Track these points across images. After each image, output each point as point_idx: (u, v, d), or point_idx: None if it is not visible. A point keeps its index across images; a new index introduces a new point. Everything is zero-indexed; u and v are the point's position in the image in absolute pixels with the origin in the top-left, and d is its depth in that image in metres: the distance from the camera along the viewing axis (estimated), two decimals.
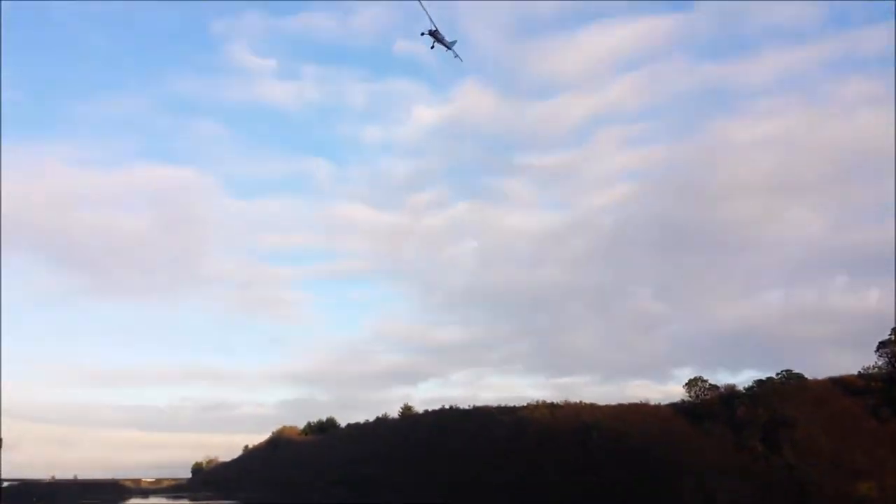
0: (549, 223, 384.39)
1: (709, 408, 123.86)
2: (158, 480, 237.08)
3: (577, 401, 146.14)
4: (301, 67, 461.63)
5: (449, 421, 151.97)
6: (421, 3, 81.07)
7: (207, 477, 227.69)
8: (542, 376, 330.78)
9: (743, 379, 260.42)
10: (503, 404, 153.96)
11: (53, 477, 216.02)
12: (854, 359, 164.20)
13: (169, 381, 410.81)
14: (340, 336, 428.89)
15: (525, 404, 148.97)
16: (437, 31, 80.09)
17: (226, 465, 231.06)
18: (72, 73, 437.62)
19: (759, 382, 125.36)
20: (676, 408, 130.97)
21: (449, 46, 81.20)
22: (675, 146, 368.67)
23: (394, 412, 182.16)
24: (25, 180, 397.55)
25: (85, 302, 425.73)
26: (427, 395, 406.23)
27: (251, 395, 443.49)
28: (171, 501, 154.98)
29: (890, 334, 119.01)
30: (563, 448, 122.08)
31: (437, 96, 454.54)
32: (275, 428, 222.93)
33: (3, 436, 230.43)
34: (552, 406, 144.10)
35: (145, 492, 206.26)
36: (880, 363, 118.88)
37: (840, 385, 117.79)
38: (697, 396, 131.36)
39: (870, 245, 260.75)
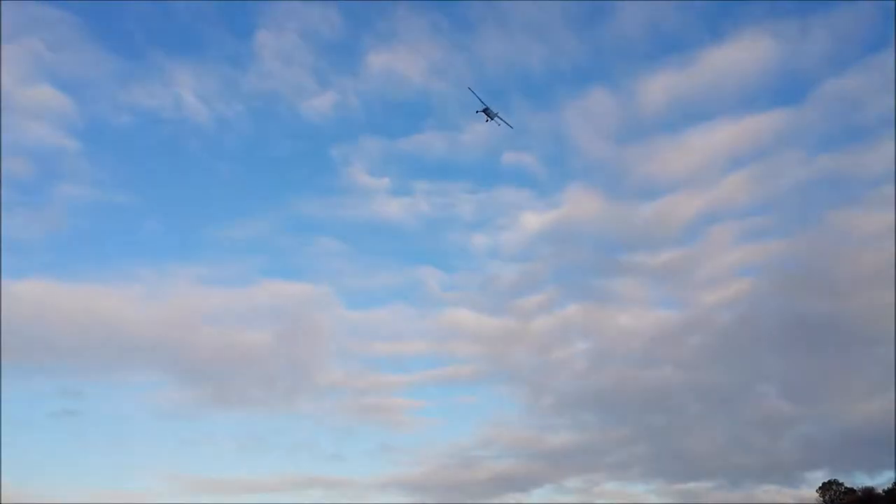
0: (662, 322, 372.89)
1: None
2: None
3: None
4: (413, 184, 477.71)
5: None
6: (470, 90, 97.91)
7: None
8: (662, 482, 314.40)
9: (882, 481, 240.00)
10: None
11: None
12: None
13: (284, 490, 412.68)
14: (450, 442, 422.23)
15: None
16: (488, 108, 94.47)
17: None
18: (202, 201, 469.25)
19: None
20: None
21: (496, 117, 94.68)
22: (793, 239, 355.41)
23: None
24: (155, 301, 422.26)
25: (207, 414, 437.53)
26: (540, 503, 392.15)
27: (363, 502, 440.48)
28: None
29: None
30: None
31: (543, 201, 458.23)
32: None
33: None
34: None
35: None
36: None
37: None
38: (833, 501, 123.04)
39: None
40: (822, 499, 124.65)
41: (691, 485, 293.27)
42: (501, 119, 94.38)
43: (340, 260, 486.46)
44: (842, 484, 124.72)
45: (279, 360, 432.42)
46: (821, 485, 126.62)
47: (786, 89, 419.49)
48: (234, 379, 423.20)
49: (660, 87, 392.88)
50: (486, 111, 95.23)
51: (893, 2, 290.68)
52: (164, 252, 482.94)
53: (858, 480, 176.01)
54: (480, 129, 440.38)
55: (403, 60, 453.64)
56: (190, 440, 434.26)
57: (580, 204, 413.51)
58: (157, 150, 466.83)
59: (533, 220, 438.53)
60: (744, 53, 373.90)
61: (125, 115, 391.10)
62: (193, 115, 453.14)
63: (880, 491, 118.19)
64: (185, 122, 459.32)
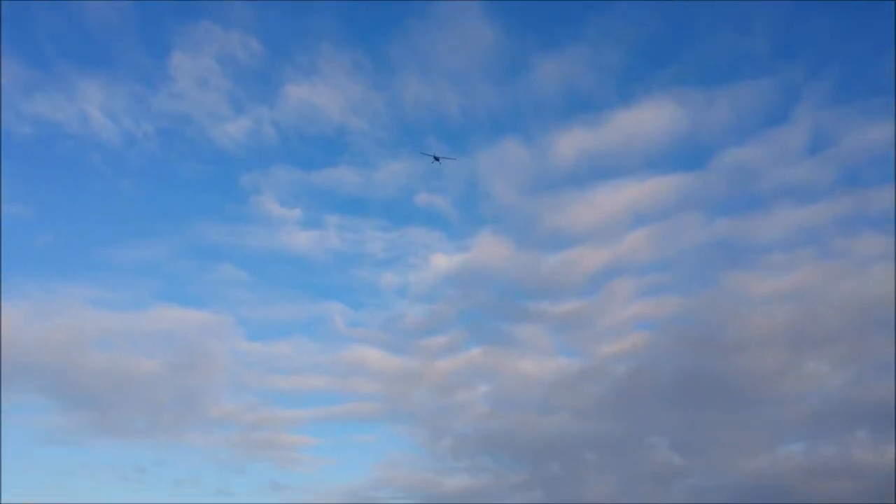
0: (562, 370, 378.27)
1: None
2: None
3: None
4: (324, 217, 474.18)
5: None
6: (422, 153, 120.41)
7: None
8: None
9: None
10: None
11: None
12: None
13: None
14: (344, 482, 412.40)
15: None
16: (437, 157, 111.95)
17: None
18: (100, 219, 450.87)
19: None
20: None
21: (443, 158, 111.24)
22: (689, 297, 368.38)
23: None
24: (40, 320, 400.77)
25: (87, 441, 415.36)
26: None
27: None
28: None
29: None
30: None
31: (453, 244, 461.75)
32: None
33: None
34: None
35: None
36: None
37: None
38: None
39: (890, 399, 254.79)
40: None
41: None
42: (447, 157, 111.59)
43: (243, 289, 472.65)
44: None
45: (169, 389, 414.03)
46: None
47: (689, 154, 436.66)
48: (120, 406, 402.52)
49: (571, 143, 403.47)
50: (435, 158, 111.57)
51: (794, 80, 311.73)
52: (55, 270, 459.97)
53: None
54: (395, 168, 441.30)
55: (322, 94, 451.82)
56: (67, 468, 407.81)
57: (489, 249, 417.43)
58: (58, 163, 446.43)
59: (443, 261, 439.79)
60: (651, 117, 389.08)
61: (27, 126, 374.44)
62: (99, 131, 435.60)
63: None
64: (89, 137, 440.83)
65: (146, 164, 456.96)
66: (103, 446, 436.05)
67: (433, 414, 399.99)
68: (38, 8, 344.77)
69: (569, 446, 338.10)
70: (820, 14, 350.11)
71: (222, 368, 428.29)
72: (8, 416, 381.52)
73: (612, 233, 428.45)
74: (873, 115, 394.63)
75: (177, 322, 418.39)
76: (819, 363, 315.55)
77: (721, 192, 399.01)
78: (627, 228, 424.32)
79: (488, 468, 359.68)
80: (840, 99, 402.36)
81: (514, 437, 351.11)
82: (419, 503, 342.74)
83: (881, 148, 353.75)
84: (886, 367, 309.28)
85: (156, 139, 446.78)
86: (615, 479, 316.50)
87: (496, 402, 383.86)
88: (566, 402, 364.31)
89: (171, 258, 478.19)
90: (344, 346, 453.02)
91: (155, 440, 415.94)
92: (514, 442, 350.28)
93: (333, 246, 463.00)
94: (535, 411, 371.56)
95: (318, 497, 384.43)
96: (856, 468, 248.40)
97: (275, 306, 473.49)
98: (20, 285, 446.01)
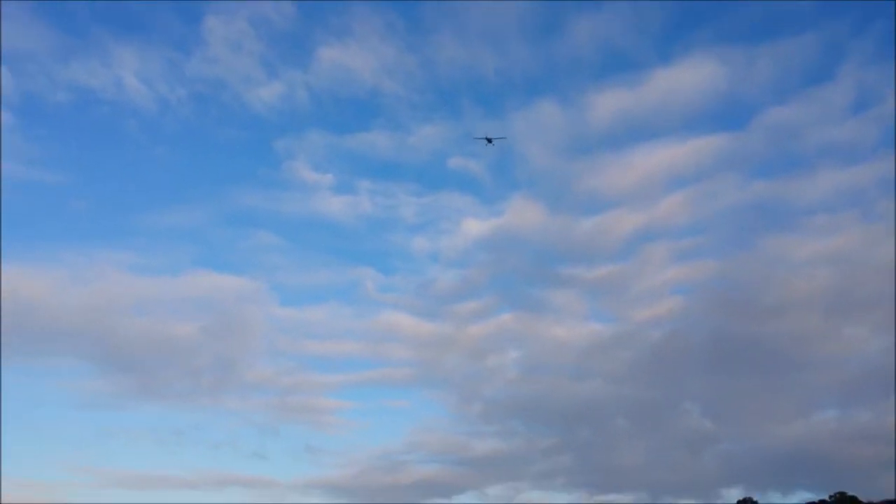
0: (595, 335, 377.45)
1: None
2: None
3: None
4: (357, 182, 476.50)
5: None
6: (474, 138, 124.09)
7: None
8: (584, 492, 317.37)
9: (795, 500, 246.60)
10: None
11: None
12: None
13: (204, 487, 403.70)
14: (377, 445, 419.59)
15: None
16: (489, 138, 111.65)
17: None
18: (136, 185, 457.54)
19: None
20: None
21: (495, 138, 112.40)
22: (727, 261, 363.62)
23: None
24: (81, 286, 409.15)
25: (127, 405, 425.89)
26: None
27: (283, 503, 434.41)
28: None
29: None
30: None
31: (486, 209, 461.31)
32: None
33: None
34: None
35: None
36: None
37: None
38: None
39: None
40: None
41: (612, 496, 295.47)
42: (499, 137, 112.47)
43: (277, 255, 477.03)
44: (756, 502, 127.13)
45: (206, 354, 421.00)
46: (736, 501, 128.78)
47: (729, 114, 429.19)
48: (158, 370, 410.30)
49: (608, 103, 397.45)
50: (488, 140, 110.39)
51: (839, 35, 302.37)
52: (92, 236, 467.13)
53: (773, 499, 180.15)
54: (429, 132, 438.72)
55: (355, 57, 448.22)
56: (107, 431, 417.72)
57: (522, 214, 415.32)
58: (94, 129, 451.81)
59: (475, 226, 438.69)
60: (691, 76, 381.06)
61: (62, 93, 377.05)
62: (134, 97, 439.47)
63: None
64: (124, 103, 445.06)
65: (180, 130, 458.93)
66: (142, 410, 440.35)
67: (465, 379, 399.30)
68: None
69: (600, 412, 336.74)
70: None
71: (258, 334, 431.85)
72: (47, 381, 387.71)
73: (648, 196, 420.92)
74: None
75: (213, 287, 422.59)
76: (858, 328, 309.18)
77: (761, 152, 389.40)
78: (664, 191, 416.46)
79: (518, 432, 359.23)
80: (886, 56, 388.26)
81: (544, 402, 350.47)
82: (450, 466, 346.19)
83: None
84: None
85: (190, 104, 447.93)
86: (646, 445, 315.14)
87: (527, 367, 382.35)
88: (598, 367, 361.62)
89: (206, 224, 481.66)
90: (376, 312, 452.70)
91: (193, 404, 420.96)
92: (545, 407, 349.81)
93: (366, 211, 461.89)
94: (566, 377, 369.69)
95: (351, 460, 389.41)
96: (891, 434, 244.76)
97: (308, 272, 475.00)
98: (57, 251, 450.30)
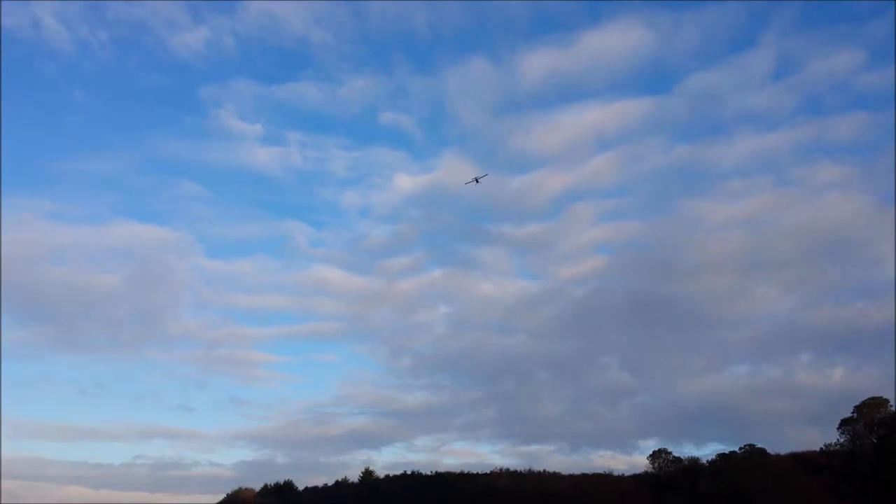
0: (521, 292, 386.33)
1: (671, 480, 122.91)
2: None
3: (542, 469, 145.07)
4: (286, 133, 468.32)
5: (410, 486, 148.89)
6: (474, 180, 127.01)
7: None
8: (507, 443, 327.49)
9: (707, 452, 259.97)
10: (467, 471, 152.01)
11: None
12: (816, 435, 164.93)
13: (125, 438, 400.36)
14: (304, 398, 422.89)
15: (489, 472, 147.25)
16: (477, 178, 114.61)
17: None
18: (54, 130, 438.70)
19: (723, 456, 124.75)
20: (639, 479, 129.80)
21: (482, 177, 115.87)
22: (648, 222, 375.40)
23: (354, 476, 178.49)
24: None
25: (49, 356, 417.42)
26: (390, 460, 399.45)
27: (208, 455, 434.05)
28: None
29: (852, 412, 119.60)
30: None
31: (417, 165, 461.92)
32: (230, 489, 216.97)
33: None
34: (516, 474, 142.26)
35: None
36: (842, 441, 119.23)
37: (801, 461, 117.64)
38: (661, 468, 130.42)
39: (834, 324, 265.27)
40: (651, 466, 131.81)
41: (534, 447, 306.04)
42: (482, 176, 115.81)
43: (202, 206, 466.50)
44: (670, 453, 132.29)
45: (128, 305, 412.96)
46: (651, 453, 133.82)
47: (655, 78, 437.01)
48: (78, 321, 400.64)
49: (538, 63, 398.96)
50: (476, 180, 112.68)
51: (766, 2, 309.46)
52: (7, 182, 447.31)
53: (686, 450, 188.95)
54: (359, 85, 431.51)
55: (285, 5, 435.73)
56: (27, 383, 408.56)
57: (453, 170, 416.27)
58: (9, 70, 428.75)
59: (406, 182, 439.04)
60: (619, 39, 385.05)
61: None
62: (52, 38, 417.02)
63: (704, 462, 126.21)
64: (42, 44, 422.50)
65: (101, 74, 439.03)
66: (62, 361, 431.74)
67: (394, 333, 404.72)
68: None
69: (524, 366, 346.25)
70: None
71: (182, 285, 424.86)
72: None
73: (576, 156, 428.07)
74: (839, 42, 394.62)
75: (135, 238, 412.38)
76: (768, 288, 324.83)
77: (683, 117, 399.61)
78: (591, 152, 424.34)
79: (446, 386, 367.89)
80: (807, 24, 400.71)
81: (471, 357, 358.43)
82: (379, 418, 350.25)
83: (844, 76, 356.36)
84: (833, 292, 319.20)
85: (111, 48, 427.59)
86: (567, 397, 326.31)
87: (456, 322, 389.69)
88: (524, 323, 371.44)
89: (127, 172, 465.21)
90: (306, 266, 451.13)
91: (114, 355, 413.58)
92: (472, 361, 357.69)
93: (295, 163, 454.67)
94: (493, 332, 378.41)
95: (279, 413, 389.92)
96: (799, 390, 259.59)
97: (235, 224, 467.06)
98: None
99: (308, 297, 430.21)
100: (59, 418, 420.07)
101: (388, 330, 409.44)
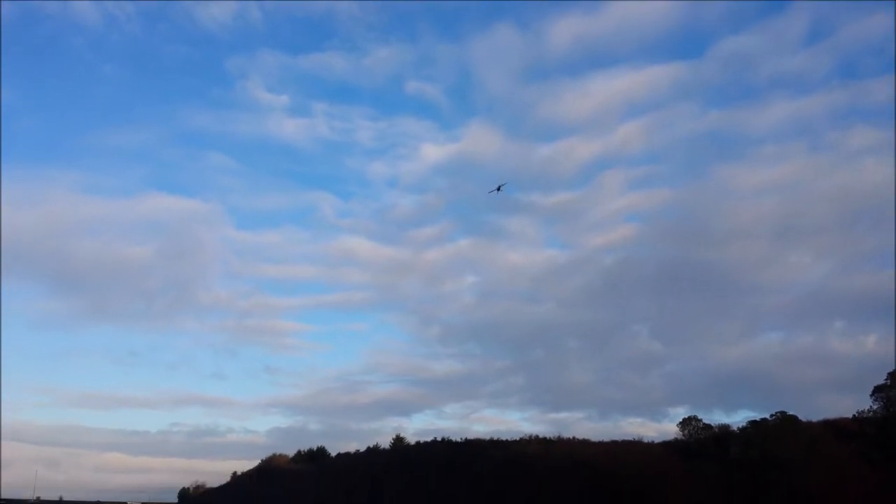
0: (549, 261, 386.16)
1: (702, 447, 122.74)
2: None
3: (571, 436, 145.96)
4: (312, 104, 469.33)
5: (441, 453, 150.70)
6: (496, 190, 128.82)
7: (194, 503, 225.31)
8: (536, 411, 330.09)
9: (738, 419, 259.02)
10: (496, 438, 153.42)
11: (38, 498, 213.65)
12: (849, 403, 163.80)
13: (161, 406, 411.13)
14: (336, 366, 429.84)
15: (518, 439, 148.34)
16: (500, 186, 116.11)
17: (213, 492, 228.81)
18: (84, 104, 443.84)
19: (754, 423, 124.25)
20: (669, 446, 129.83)
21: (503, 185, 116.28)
22: (679, 189, 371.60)
23: (386, 443, 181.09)
24: (31, 206, 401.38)
25: (83, 326, 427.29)
26: (420, 427, 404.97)
27: (242, 422, 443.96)
28: None
29: (886, 379, 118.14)
30: (555, 484, 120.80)
31: (444, 134, 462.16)
32: (264, 455, 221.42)
33: None
34: (545, 441, 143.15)
35: None
36: (875, 408, 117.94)
37: (833, 428, 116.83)
38: (691, 435, 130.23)
39: (869, 291, 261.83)
40: (681, 433, 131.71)
41: (563, 414, 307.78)
42: (502, 185, 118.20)
43: (230, 177, 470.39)
44: (701, 420, 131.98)
45: (160, 276, 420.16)
46: (681, 420, 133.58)
47: (686, 43, 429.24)
48: (112, 292, 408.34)
49: (566, 29, 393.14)
50: (497, 188, 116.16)
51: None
52: (40, 155, 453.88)
53: (717, 418, 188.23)
54: (384, 54, 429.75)
55: None
56: (63, 352, 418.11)
57: (480, 140, 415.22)
58: (39, 46, 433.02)
59: (433, 152, 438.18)
60: (649, 3, 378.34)
61: (5, 7, 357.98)
62: (80, 13, 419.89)
63: (735, 429, 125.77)
64: (70, 18, 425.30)
65: (128, 47, 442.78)
66: (97, 331, 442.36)
67: (422, 303, 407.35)
68: None
69: (553, 334, 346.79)
70: None
71: (213, 256, 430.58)
72: (7, 301, 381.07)
73: (605, 123, 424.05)
74: (872, 5, 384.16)
75: (166, 210, 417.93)
76: (802, 255, 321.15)
77: (715, 82, 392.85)
78: (621, 119, 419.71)
79: (474, 354, 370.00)
80: None
81: (500, 326, 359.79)
82: (408, 386, 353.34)
83: (879, 39, 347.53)
84: (867, 259, 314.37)
85: (138, 21, 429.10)
86: (596, 366, 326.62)
87: (483, 291, 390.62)
88: (552, 292, 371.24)
89: (157, 144, 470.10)
90: (333, 236, 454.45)
91: (148, 325, 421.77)
92: (500, 330, 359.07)
93: (322, 134, 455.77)
94: (521, 301, 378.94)
95: (310, 381, 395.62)
96: (832, 357, 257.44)
97: (263, 195, 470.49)
98: (5, 170, 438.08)
99: (336, 267, 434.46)
100: (96, 387, 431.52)
101: (415, 299, 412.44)
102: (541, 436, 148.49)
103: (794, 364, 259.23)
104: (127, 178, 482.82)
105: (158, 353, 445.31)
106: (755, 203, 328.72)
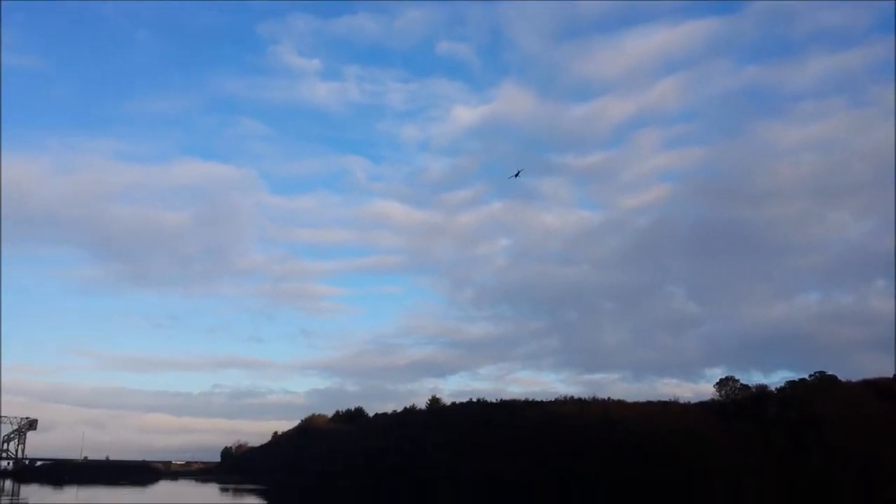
0: (583, 222, 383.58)
1: (739, 408, 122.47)
2: (188, 464, 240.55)
3: (606, 397, 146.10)
4: (344, 68, 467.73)
5: (477, 413, 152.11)
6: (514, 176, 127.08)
7: (236, 461, 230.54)
8: (571, 372, 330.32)
9: (775, 380, 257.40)
10: (531, 398, 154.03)
11: (86, 458, 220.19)
12: (890, 362, 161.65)
13: (202, 369, 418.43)
14: (370, 329, 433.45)
15: (553, 399, 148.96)
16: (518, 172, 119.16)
17: (255, 451, 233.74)
18: (118, 71, 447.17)
19: (792, 384, 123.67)
20: (706, 407, 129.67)
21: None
22: (715, 148, 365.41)
23: (422, 403, 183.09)
24: (69, 174, 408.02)
25: (125, 291, 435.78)
26: (456, 388, 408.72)
27: (282, 383, 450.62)
28: (199, 484, 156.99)
29: None
30: (590, 444, 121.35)
31: (476, 96, 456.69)
32: (304, 416, 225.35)
33: (39, 418, 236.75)
34: (580, 402, 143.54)
35: (175, 474, 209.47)
36: None
37: (873, 388, 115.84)
38: (728, 396, 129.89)
39: None
40: (718, 394, 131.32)
41: (598, 375, 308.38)
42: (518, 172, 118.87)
43: (263, 143, 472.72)
44: (738, 381, 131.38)
45: (197, 242, 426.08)
46: (718, 381, 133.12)
47: None
48: (150, 258, 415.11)
49: None
50: (517, 174, 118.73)
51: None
52: (76, 123, 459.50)
53: (754, 378, 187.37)
54: (415, 15, 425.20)
55: None
56: (105, 317, 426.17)
57: (513, 100, 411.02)
58: (71, 13, 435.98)
59: (465, 113, 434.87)
60: None
61: None
62: None
63: (772, 389, 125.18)
64: None
65: (161, 14, 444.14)
66: (137, 296, 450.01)
67: (455, 266, 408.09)
68: None
69: (587, 296, 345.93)
70: None
71: (248, 222, 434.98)
72: (42, 269, 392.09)
73: (640, 81, 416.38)
74: None
75: (201, 176, 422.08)
76: (842, 213, 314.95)
77: (753, 37, 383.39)
78: (656, 77, 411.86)
79: (508, 316, 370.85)
80: None
81: (533, 288, 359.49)
82: (443, 348, 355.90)
83: None
84: None
85: None
86: (631, 327, 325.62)
87: (516, 254, 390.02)
88: (586, 254, 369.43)
89: (190, 111, 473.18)
90: (366, 200, 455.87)
91: (185, 290, 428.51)
92: (534, 292, 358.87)
93: (353, 98, 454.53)
94: (554, 263, 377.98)
95: (346, 343, 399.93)
96: (872, 316, 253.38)
97: (296, 160, 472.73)
98: (41, 139, 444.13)
99: (369, 230, 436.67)
100: (139, 350, 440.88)
101: (449, 262, 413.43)
102: (576, 396, 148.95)
103: (833, 324, 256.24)
104: (162, 144, 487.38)
105: (198, 317, 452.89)
106: (793, 161, 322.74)
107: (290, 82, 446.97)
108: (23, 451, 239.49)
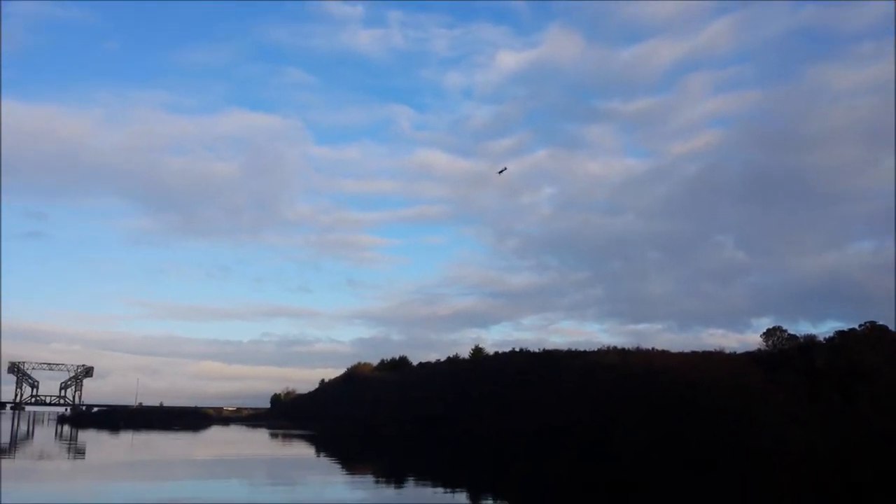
0: (629, 171, 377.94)
1: (786, 358, 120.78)
2: (239, 410, 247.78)
3: (650, 347, 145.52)
4: (387, 14, 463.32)
5: (519, 363, 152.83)
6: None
7: (285, 408, 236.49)
8: (614, 322, 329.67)
9: (824, 330, 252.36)
10: (574, 349, 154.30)
11: (140, 404, 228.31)
12: None
13: (251, 318, 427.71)
14: (415, 279, 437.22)
15: (596, 349, 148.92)
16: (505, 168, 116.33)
17: (303, 398, 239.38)
18: (164, 22, 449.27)
19: (841, 333, 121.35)
20: (752, 357, 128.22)
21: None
22: (768, 92, 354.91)
23: (465, 353, 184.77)
24: (118, 126, 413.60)
25: (173, 241, 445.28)
26: (498, 338, 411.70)
27: (328, 332, 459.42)
28: (250, 430, 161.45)
29: None
30: (633, 395, 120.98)
31: (521, 41, 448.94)
32: (349, 364, 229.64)
33: (94, 366, 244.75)
34: (623, 352, 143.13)
35: (226, 420, 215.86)
36: None
37: None
38: (775, 346, 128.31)
39: None
40: (765, 344, 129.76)
41: (642, 326, 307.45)
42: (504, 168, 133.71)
43: (308, 93, 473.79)
44: (785, 331, 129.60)
45: (245, 192, 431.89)
46: (765, 330, 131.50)
47: None
48: (200, 208, 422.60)
49: None
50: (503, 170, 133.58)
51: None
52: (124, 75, 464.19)
53: (802, 328, 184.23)
54: None
55: None
56: (157, 267, 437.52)
57: (559, 45, 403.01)
58: None
59: (509, 59, 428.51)
60: None
61: None
62: None
63: (821, 339, 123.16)
64: None
65: None
66: (188, 247, 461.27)
67: (499, 215, 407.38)
68: None
69: (632, 246, 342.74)
70: None
71: (294, 172, 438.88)
72: (94, 220, 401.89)
73: (691, 23, 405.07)
74: None
75: (248, 126, 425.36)
76: None
77: None
78: (707, 18, 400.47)
79: (552, 266, 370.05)
80: None
81: (577, 238, 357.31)
82: (487, 298, 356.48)
83: None
84: None
85: None
86: (677, 276, 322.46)
87: (561, 203, 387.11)
88: (632, 202, 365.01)
89: (235, 61, 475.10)
90: (410, 150, 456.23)
91: (235, 240, 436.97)
92: (578, 242, 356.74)
93: (397, 45, 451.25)
94: (599, 212, 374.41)
95: (391, 293, 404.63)
96: None
97: (340, 110, 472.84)
98: (91, 91, 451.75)
99: (413, 181, 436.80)
100: (190, 299, 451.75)
101: (493, 212, 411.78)
102: (619, 346, 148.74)
103: (885, 273, 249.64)
104: (208, 95, 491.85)
105: (247, 267, 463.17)
106: (849, 105, 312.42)
107: (333, 29, 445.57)
108: (80, 397, 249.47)
